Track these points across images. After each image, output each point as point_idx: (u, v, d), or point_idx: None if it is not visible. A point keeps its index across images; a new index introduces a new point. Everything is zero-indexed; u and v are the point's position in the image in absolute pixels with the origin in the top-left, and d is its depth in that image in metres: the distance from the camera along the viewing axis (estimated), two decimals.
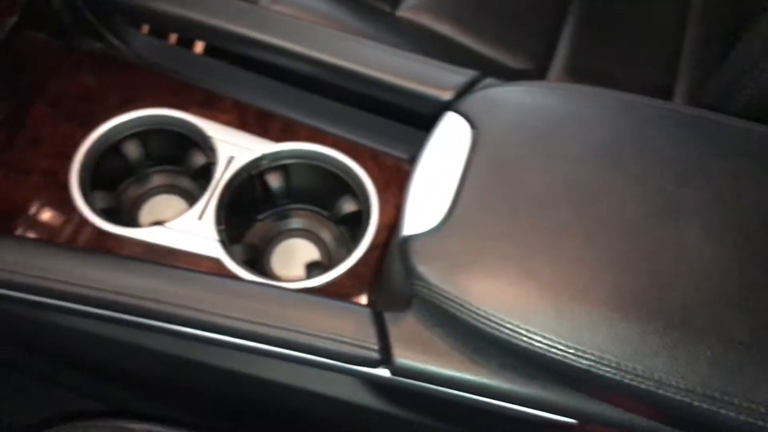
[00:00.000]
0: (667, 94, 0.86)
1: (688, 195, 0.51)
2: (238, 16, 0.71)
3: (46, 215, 0.69)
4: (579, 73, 0.85)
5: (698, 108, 0.59)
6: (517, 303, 0.48)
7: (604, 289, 0.48)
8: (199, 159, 0.73)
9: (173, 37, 1.03)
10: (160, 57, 0.80)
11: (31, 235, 0.67)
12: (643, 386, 0.45)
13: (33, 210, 0.68)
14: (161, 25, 0.82)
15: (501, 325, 0.48)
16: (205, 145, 0.72)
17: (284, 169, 0.74)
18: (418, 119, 0.69)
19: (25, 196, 0.69)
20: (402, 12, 0.86)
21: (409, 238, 0.53)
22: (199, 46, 1.00)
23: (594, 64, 0.86)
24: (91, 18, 0.75)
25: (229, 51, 0.74)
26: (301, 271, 0.74)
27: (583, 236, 0.51)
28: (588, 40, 0.88)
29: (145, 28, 0.86)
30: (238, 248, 0.70)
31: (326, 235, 0.77)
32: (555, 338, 0.47)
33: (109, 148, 0.72)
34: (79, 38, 0.77)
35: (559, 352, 0.47)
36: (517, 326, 0.48)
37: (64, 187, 0.69)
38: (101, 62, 0.77)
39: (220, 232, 0.68)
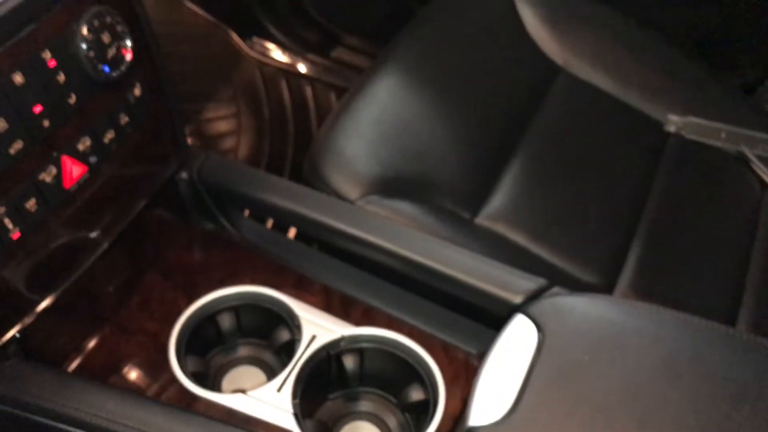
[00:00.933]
0: (730, 323, 0.89)
1: (742, 415, 0.54)
2: (335, 212, 0.80)
3: (142, 372, 0.75)
4: (644, 292, 0.89)
5: (757, 336, 0.62)
6: None
7: None
8: (284, 335, 0.80)
9: (270, 222, 1.14)
10: (260, 239, 0.89)
11: (125, 387, 0.74)
12: None
13: (131, 365, 0.75)
14: (263, 213, 0.93)
15: None
16: (292, 323, 0.79)
17: (360, 353, 0.80)
18: (489, 318, 0.75)
19: (127, 353, 0.76)
20: (480, 220, 0.95)
21: (473, 429, 0.57)
22: (291, 232, 1.11)
23: (659, 286, 0.91)
24: (209, 202, 0.86)
25: (319, 238, 0.83)
26: None
27: None
28: (654, 263, 0.93)
29: (247, 212, 0.97)
30: (309, 423, 0.74)
31: (392, 422, 0.80)
32: None
33: (207, 317, 0.80)
34: (196, 218, 0.87)
35: None
36: None
37: (163, 349, 0.76)
38: (210, 240, 0.87)
39: (295, 405, 0.73)
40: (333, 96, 1.57)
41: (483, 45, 1.12)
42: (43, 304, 0.70)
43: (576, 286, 0.87)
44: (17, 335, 0.68)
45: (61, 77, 0.63)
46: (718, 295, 0.92)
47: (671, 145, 1.07)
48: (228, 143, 1.48)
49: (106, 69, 0.66)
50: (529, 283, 0.72)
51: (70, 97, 0.64)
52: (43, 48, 0.61)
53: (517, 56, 1.12)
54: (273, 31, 1.61)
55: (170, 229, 0.87)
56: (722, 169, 1.06)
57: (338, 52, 1.63)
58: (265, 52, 1.62)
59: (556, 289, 0.72)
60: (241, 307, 0.82)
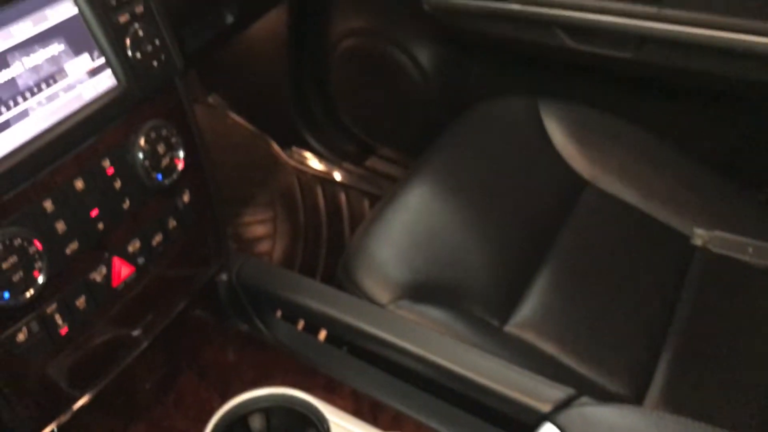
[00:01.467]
0: None
1: None
2: (366, 315, 0.83)
3: None
4: (674, 405, 0.88)
5: None
6: None
7: None
8: None
9: (301, 323, 1.16)
10: (291, 341, 0.91)
11: None
12: None
13: None
14: (295, 314, 0.96)
15: None
16: (321, 427, 0.80)
17: None
18: (517, 426, 0.75)
19: None
20: (509, 328, 0.96)
21: None
22: (322, 334, 1.13)
23: (689, 399, 0.90)
24: (246, 303, 0.89)
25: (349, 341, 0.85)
26: None
27: None
28: (684, 376, 0.93)
29: (279, 313, 0.99)
30: None
31: None
32: None
33: (238, 418, 0.81)
34: (231, 318, 0.90)
35: None
36: None
37: None
38: (245, 341, 0.89)
39: None
40: (366, 203, 1.62)
41: (511, 158, 1.17)
42: (82, 401, 0.72)
43: (604, 397, 0.87)
44: (55, 429, 0.70)
45: (118, 184, 0.68)
46: (751, 410, 0.91)
47: (698, 258, 1.08)
48: (264, 246, 1.53)
49: (159, 177, 0.71)
50: (558, 392, 0.73)
51: (124, 202, 0.69)
52: (103, 156, 0.67)
53: (544, 170, 1.16)
54: (311, 141, 1.70)
55: (207, 329, 0.89)
56: (750, 284, 1.06)
57: (372, 162, 1.70)
58: (302, 161, 1.70)
59: (584, 399, 0.72)
60: (271, 408, 0.83)
